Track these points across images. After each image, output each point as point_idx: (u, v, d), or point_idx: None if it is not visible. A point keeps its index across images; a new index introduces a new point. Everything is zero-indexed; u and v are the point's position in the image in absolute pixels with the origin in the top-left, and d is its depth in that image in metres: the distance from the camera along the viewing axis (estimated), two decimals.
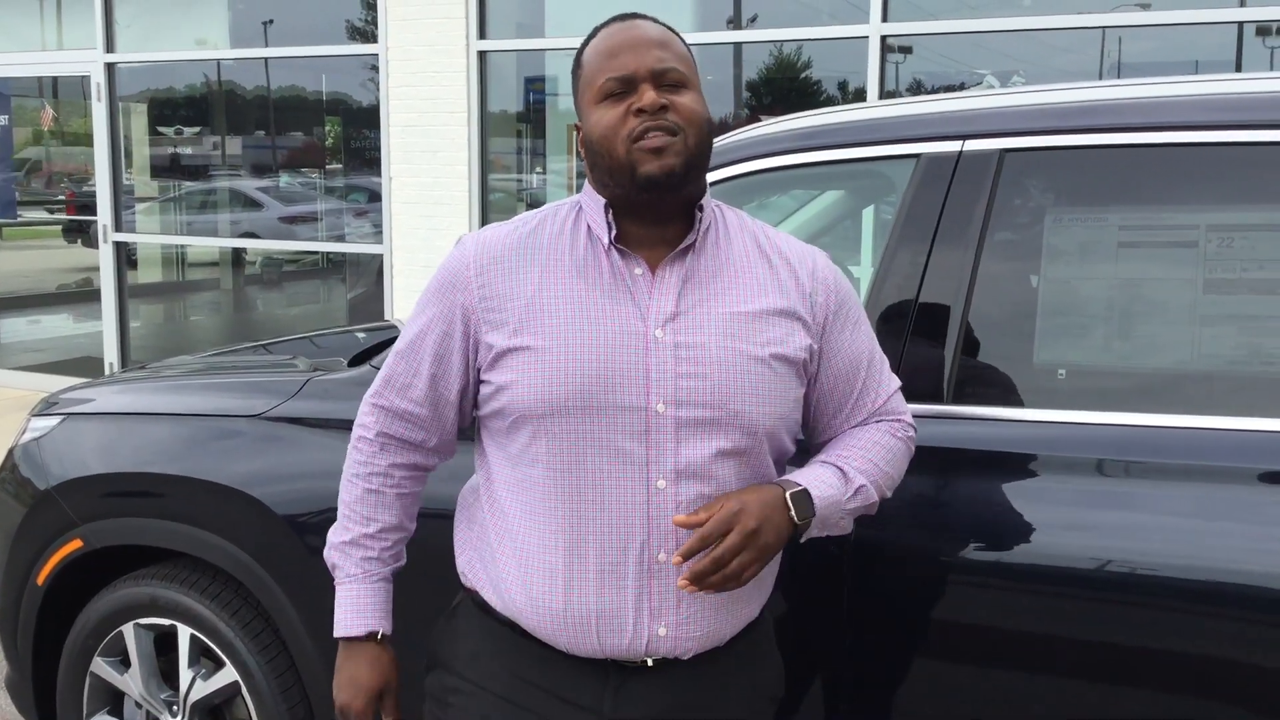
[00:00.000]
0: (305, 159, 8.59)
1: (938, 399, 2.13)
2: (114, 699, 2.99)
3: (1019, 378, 2.12)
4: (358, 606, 1.85)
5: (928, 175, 2.21)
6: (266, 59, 8.34)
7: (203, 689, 2.81)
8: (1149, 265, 2.08)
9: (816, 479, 1.70)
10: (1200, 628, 1.87)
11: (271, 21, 8.20)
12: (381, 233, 7.63)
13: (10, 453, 3.17)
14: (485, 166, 7.39)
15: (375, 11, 7.49)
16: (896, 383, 1.86)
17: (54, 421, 3.04)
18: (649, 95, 1.63)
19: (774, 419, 1.69)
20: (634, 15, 1.72)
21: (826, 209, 3.42)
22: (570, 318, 1.67)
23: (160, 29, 8.42)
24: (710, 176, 2.39)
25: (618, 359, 1.64)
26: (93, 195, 8.54)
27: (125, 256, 8.65)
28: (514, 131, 7.68)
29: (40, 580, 2.97)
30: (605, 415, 1.64)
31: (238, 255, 9.06)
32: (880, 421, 1.82)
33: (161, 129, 8.62)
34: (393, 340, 3.06)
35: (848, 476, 1.72)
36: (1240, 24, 5.77)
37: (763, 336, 1.68)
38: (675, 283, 1.68)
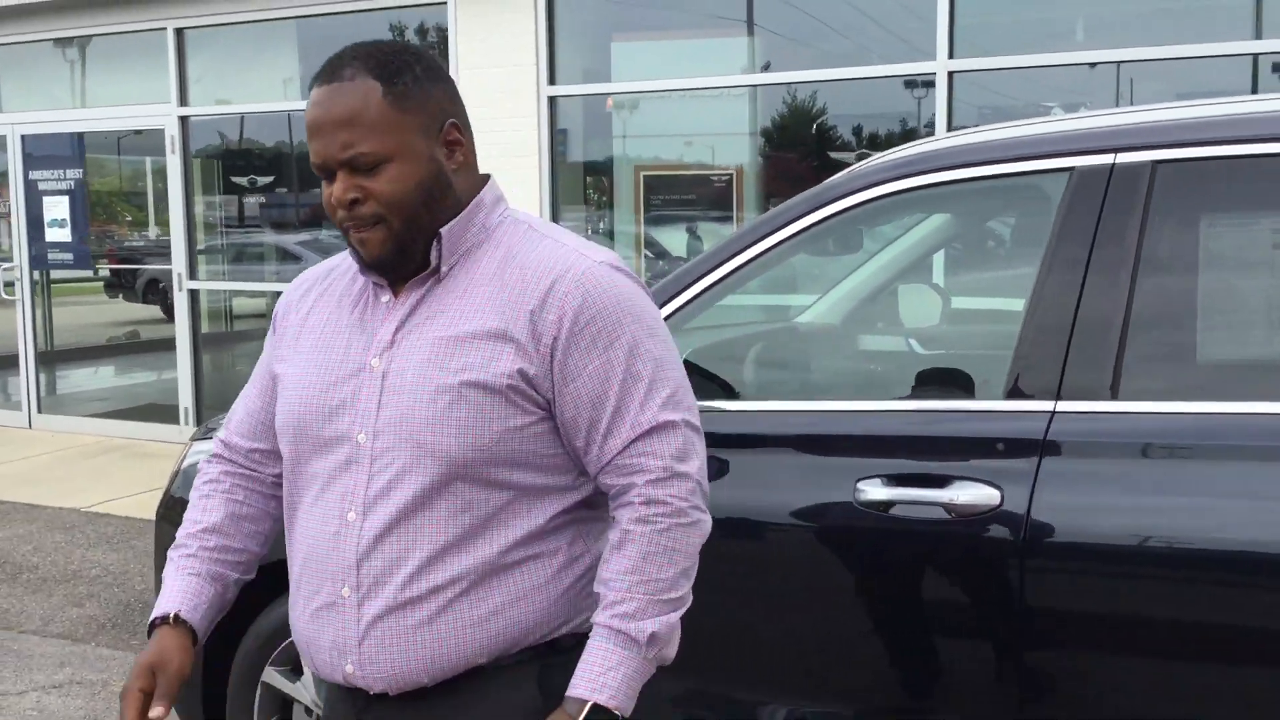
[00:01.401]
0: None
1: (1104, 396, 2.27)
2: (284, 707, 3.13)
3: (1181, 373, 2.26)
4: (163, 596, 1.76)
5: (1081, 187, 2.37)
6: None
7: None
8: None
9: (599, 667, 1.51)
10: None
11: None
12: None
13: (174, 476, 3.33)
14: (556, 207, 7.60)
15: (447, 60, 7.73)
16: (664, 419, 1.56)
17: None
18: (338, 189, 1.56)
19: (473, 450, 1.54)
20: (334, 72, 1.57)
21: (930, 235, 3.58)
22: (313, 346, 1.67)
23: (231, 81, 8.70)
24: (860, 196, 2.57)
25: (336, 389, 1.62)
26: (132, 250, 8.87)
27: (197, 305, 8.88)
28: (582, 173, 7.90)
29: None
30: (321, 445, 1.63)
31: None
32: (637, 506, 1.55)
33: (235, 179, 8.87)
34: None
35: (629, 635, 1.51)
36: None
37: (459, 362, 1.55)
38: (404, 311, 1.61)
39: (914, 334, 3.92)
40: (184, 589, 1.74)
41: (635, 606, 1.52)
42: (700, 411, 2.61)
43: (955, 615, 2.34)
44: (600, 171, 7.87)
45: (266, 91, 8.71)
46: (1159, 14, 6.25)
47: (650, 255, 7.81)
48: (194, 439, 3.40)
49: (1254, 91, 5.99)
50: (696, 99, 7.78)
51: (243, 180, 8.85)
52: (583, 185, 7.92)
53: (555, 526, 1.61)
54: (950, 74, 6.53)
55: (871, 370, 3.60)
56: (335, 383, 1.62)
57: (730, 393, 2.88)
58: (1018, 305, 2.48)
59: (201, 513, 1.79)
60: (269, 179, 8.89)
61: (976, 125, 6.70)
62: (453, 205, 1.61)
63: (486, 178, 1.67)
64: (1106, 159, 2.37)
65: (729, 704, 2.57)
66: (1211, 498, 2.16)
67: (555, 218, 7.60)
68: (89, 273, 9.48)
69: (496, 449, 1.55)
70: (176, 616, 1.71)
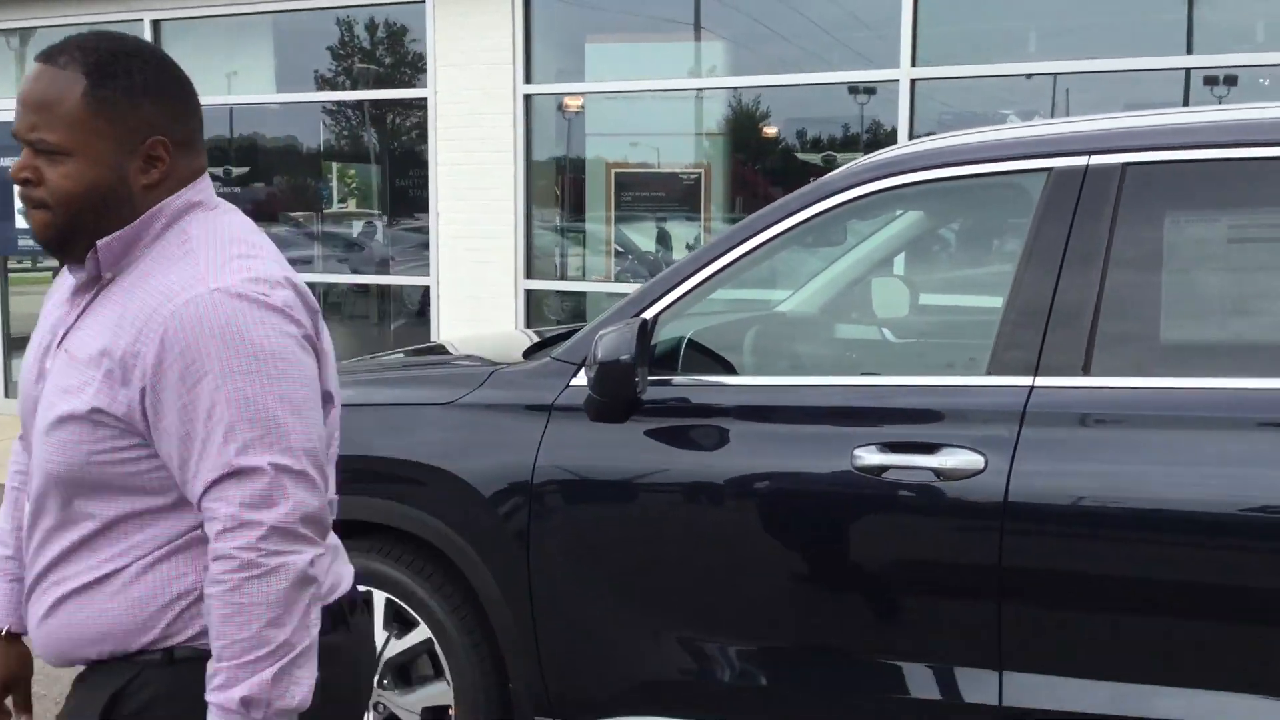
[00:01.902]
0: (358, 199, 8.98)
1: (1077, 372, 2.54)
2: None
3: (1147, 352, 2.54)
4: None
5: (1059, 186, 2.64)
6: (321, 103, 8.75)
7: (396, 647, 3.15)
8: (1256, 256, 2.52)
9: None
10: None
11: (320, 72, 8.62)
12: (429, 265, 8.01)
13: None
14: (530, 203, 7.80)
15: (425, 58, 7.91)
16: (240, 464, 1.50)
17: None
18: (18, 163, 1.58)
19: (69, 468, 1.56)
20: (53, 54, 1.58)
21: (906, 229, 3.85)
22: (33, 344, 1.71)
23: (203, 72, 8.81)
24: (846, 195, 2.82)
25: (28, 390, 1.68)
26: None
27: None
28: (555, 170, 8.11)
29: None
30: (26, 443, 1.75)
31: None
32: (210, 565, 1.52)
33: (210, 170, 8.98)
34: (563, 336, 3.47)
35: (222, 706, 1.49)
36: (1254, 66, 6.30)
37: (66, 382, 1.57)
38: (74, 315, 1.63)
39: (885, 323, 4.20)
40: (5, 597, 1.81)
41: (223, 678, 1.49)
42: (707, 386, 2.87)
43: (944, 570, 2.60)
44: (573, 169, 8.08)
45: (244, 84, 8.84)
46: (1105, 29, 6.59)
47: (620, 250, 8.04)
48: None
49: (1185, 102, 6.37)
50: (668, 100, 8.03)
51: (218, 171, 8.95)
52: (555, 183, 8.13)
53: (156, 545, 1.59)
54: (913, 81, 6.82)
55: (858, 351, 3.86)
56: (33, 379, 1.67)
57: (730, 370, 3.13)
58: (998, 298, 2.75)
59: (12, 506, 1.81)
60: (244, 169, 9.01)
61: (935, 131, 7.04)
62: (128, 217, 1.59)
63: (192, 182, 1.64)
64: (1081, 161, 2.64)
65: (738, 649, 2.80)
66: (1171, 463, 2.43)
67: (530, 212, 7.80)
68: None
69: (91, 471, 1.55)
70: (8, 631, 1.80)
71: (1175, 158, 2.57)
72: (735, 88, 7.64)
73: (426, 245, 8.06)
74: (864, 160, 3.00)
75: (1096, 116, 2.91)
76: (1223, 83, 6.34)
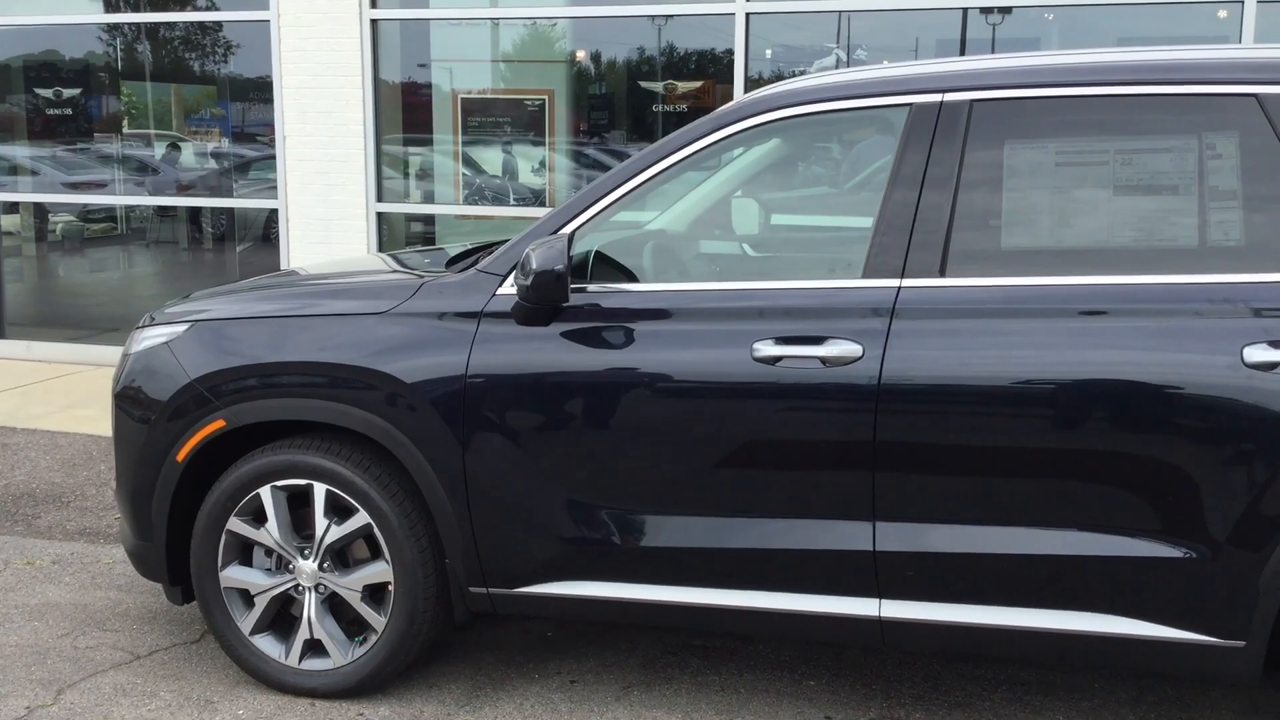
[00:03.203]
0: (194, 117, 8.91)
1: (936, 274, 3.07)
2: (245, 552, 3.62)
3: (991, 256, 3.09)
4: None
5: (918, 118, 3.15)
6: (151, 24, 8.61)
7: (336, 533, 3.50)
8: (1077, 177, 3.09)
9: None
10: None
11: None
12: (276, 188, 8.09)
13: (127, 358, 3.73)
14: (379, 127, 7.96)
15: None
16: None
17: (181, 328, 3.64)
18: None
19: None
20: None
21: (763, 156, 4.33)
22: None
23: None
24: (741, 125, 3.27)
25: None
26: None
27: None
28: (403, 94, 8.27)
29: (180, 457, 3.57)
30: None
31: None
32: None
33: (40, 91, 8.75)
34: (486, 246, 3.83)
35: None
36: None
37: None
38: None
39: (746, 239, 4.69)
40: None
41: None
42: (620, 292, 3.28)
43: (829, 441, 3.11)
44: (421, 94, 8.27)
45: (75, 3, 8.61)
46: None
47: (468, 174, 8.31)
48: (142, 327, 3.80)
49: (963, 35, 7.12)
50: (512, 27, 8.29)
51: (48, 92, 8.74)
52: (403, 108, 8.30)
53: None
54: (748, 15, 7.29)
55: (753, 258, 4.34)
56: None
57: (633, 279, 3.55)
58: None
59: None
60: (75, 91, 8.82)
61: (768, 62, 7.56)
62: None
63: None
64: (937, 98, 3.15)
65: (647, 523, 3.27)
66: (1012, 346, 2.99)
67: (378, 138, 7.96)
68: None
69: None
70: None
71: (1014, 95, 3.11)
72: (578, 17, 7.97)
73: (274, 168, 8.13)
74: (758, 93, 3.45)
75: (951, 60, 3.43)
76: (997, 11, 7.11)
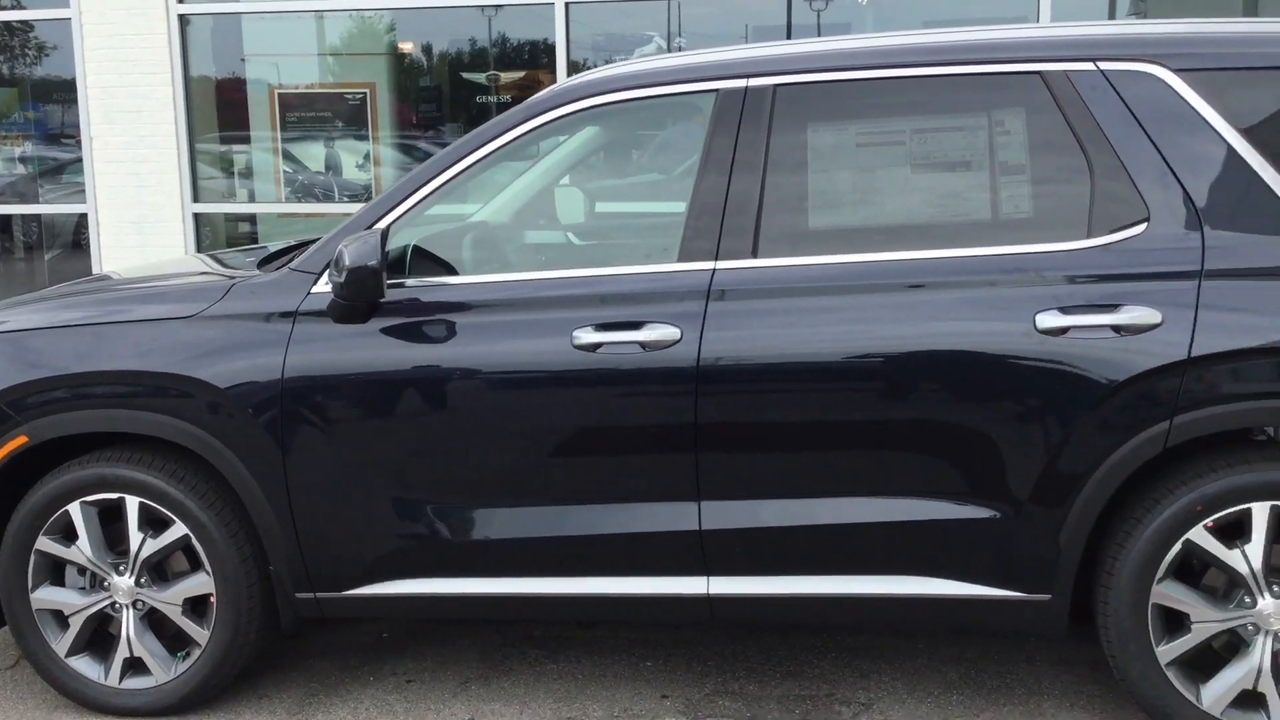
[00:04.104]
0: None
1: (748, 256, 3.13)
2: (57, 571, 3.47)
3: (800, 236, 3.16)
4: None
5: (725, 104, 3.20)
6: None
7: (153, 546, 3.38)
8: (878, 157, 3.19)
9: None
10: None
11: None
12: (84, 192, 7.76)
13: None
14: (192, 126, 7.70)
15: None
16: None
17: None
18: None
19: None
20: None
21: (583, 143, 4.35)
22: None
23: None
24: (553, 114, 3.27)
25: None
26: None
27: None
28: (217, 91, 8.02)
29: None
30: None
31: None
32: None
33: None
34: (302, 244, 3.73)
35: None
36: None
37: None
38: None
39: (570, 229, 4.71)
40: None
41: None
42: (438, 286, 3.25)
43: (652, 425, 3.14)
44: (236, 90, 8.03)
45: None
46: None
47: (290, 171, 8.10)
48: None
49: (789, 16, 7.30)
50: (329, 19, 8.11)
51: None
52: (218, 105, 8.04)
53: None
54: (567, 4, 7.30)
55: (555, 251, 4.34)
56: None
57: (453, 272, 3.52)
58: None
59: None
60: None
61: (590, 50, 7.57)
62: None
63: None
64: (742, 83, 3.21)
65: (475, 516, 3.25)
66: (822, 323, 3.07)
67: (191, 137, 7.70)
68: None
69: None
70: None
71: (815, 79, 3.19)
72: (397, 9, 7.84)
73: (80, 172, 7.79)
74: (567, 82, 3.45)
75: (755, 45, 3.49)
76: None
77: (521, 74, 7.66)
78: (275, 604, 3.40)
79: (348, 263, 3.09)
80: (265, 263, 3.69)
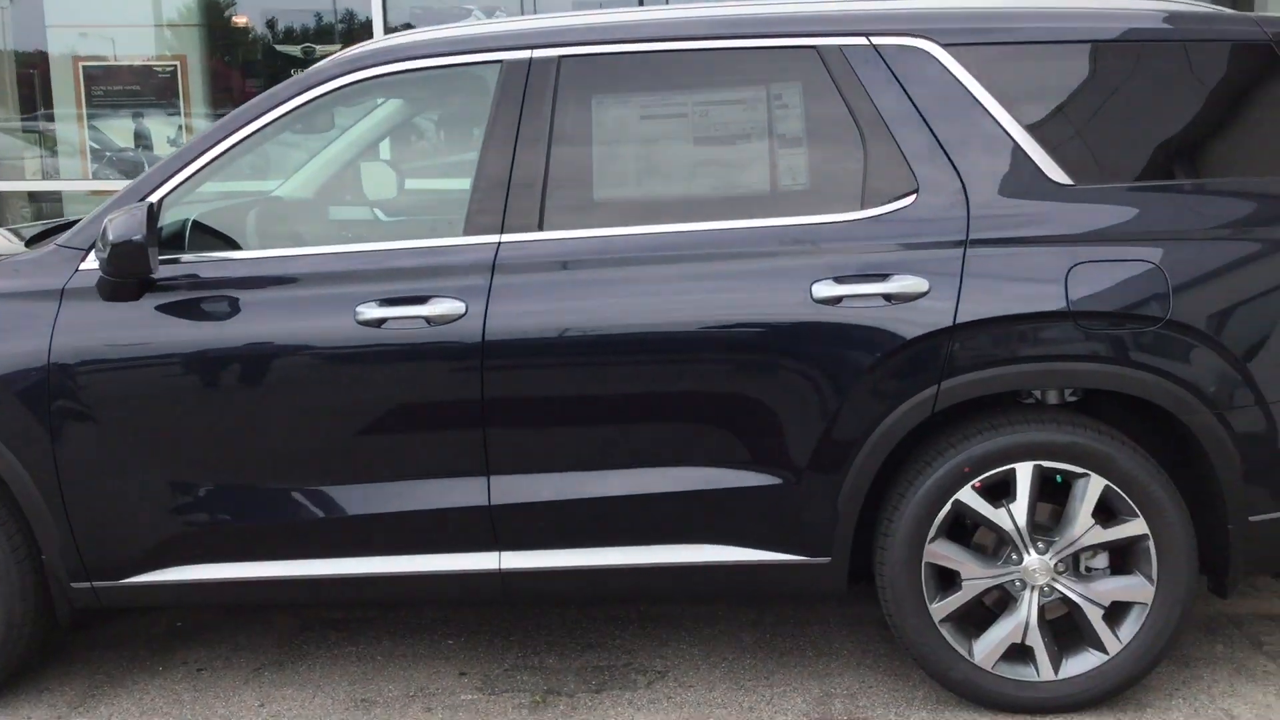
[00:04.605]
0: None
1: (534, 229, 3.11)
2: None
3: (585, 208, 3.16)
4: None
5: (509, 75, 3.17)
6: None
7: None
8: (661, 130, 3.21)
9: None
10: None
11: None
12: None
13: None
14: None
15: None
16: None
17: None
18: None
19: None
20: None
21: (387, 117, 4.27)
22: None
23: None
24: (331, 85, 3.20)
25: None
26: None
27: None
28: (16, 64, 7.63)
29: None
30: None
31: None
32: None
33: None
34: (63, 226, 3.57)
35: None
36: None
37: None
38: None
39: (378, 204, 4.62)
40: None
41: None
42: (216, 261, 3.16)
43: (439, 400, 3.11)
44: (36, 64, 7.64)
45: None
46: None
47: (96, 146, 7.77)
48: None
49: None
50: None
51: None
52: (14, 78, 7.65)
53: None
54: None
55: (353, 228, 4.26)
56: None
57: (236, 248, 3.42)
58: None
59: None
60: None
61: (410, 21, 7.45)
62: None
63: None
64: (526, 54, 3.18)
65: (266, 496, 3.17)
66: (609, 295, 3.07)
67: None
68: None
69: None
70: None
71: (598, 51, 3.19)
72: None
73: None
74: (346, 52, 3.38)
75: (542, 16, 3.47)
76: None
77: (338, 47, 7.47)
78: (51, 595, 3.26)
79: (111, 237, 2.97)
80: (35, 240, 3.52)
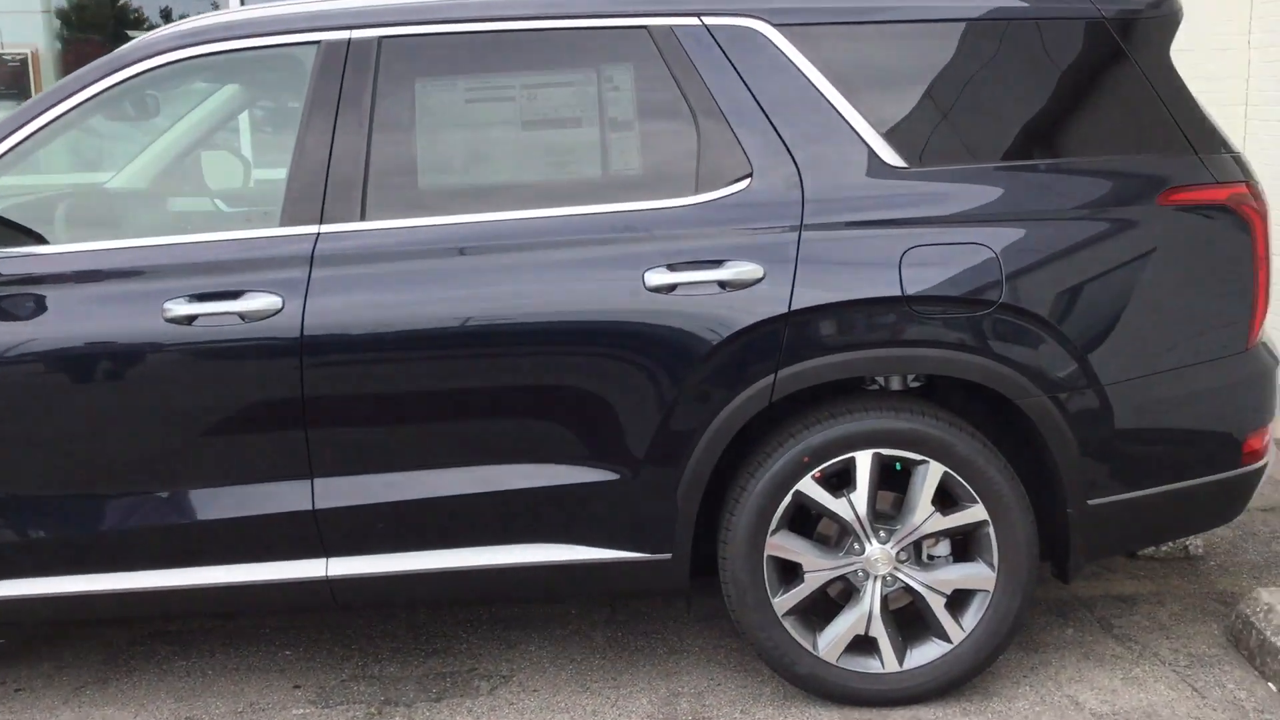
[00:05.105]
0: None
1: (355, 218, 2.96)
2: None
3: (409, 197, 3.02)
4: None
5: (327, 57, 3.02)
6: None
7: None
8: (488, 114, 3.08)
9: None
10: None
11: None
12: None
13: None
14: None
15: None
16: None
17: None
18: None
19: None
20: None
21: (225, 102, 4.08)
22: None
23: None
24: (144, 65, 3.02)
25: None
26: None
27: None
28: None
29: None
30: None
31: None
32: None
33: None
34: None
35: None
36: None
37: None
38: None
39: (219, 194, 4.42)
40: None
41: None
42: (15, 257, 2.96)
43: (256, 401, 2.95)
44: None
45: None
46: None
47: None
48: None
49: None
50: None
51: None
52: None
53: None
54: None
55: (192, 214, 4.06)
56: None
57: (42, 241, 3.22)
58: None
59: None
60: None
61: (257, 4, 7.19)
62: None
63: None
64: (344, 35, 3.03)
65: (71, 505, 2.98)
66: (436, 288, 2.94)
67: None
68: None
69: None
70: None
71: (421, 31, 3.04)
72: None
73: None
74: (152, 34, 3.19)
75: None
76: None
77: None
78: None
79: None
80: None
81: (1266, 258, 3.05)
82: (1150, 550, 3.96)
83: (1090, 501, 2.99)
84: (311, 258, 2.95)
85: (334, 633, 3.62)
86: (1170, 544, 3.94)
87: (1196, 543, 3.99)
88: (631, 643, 3.50)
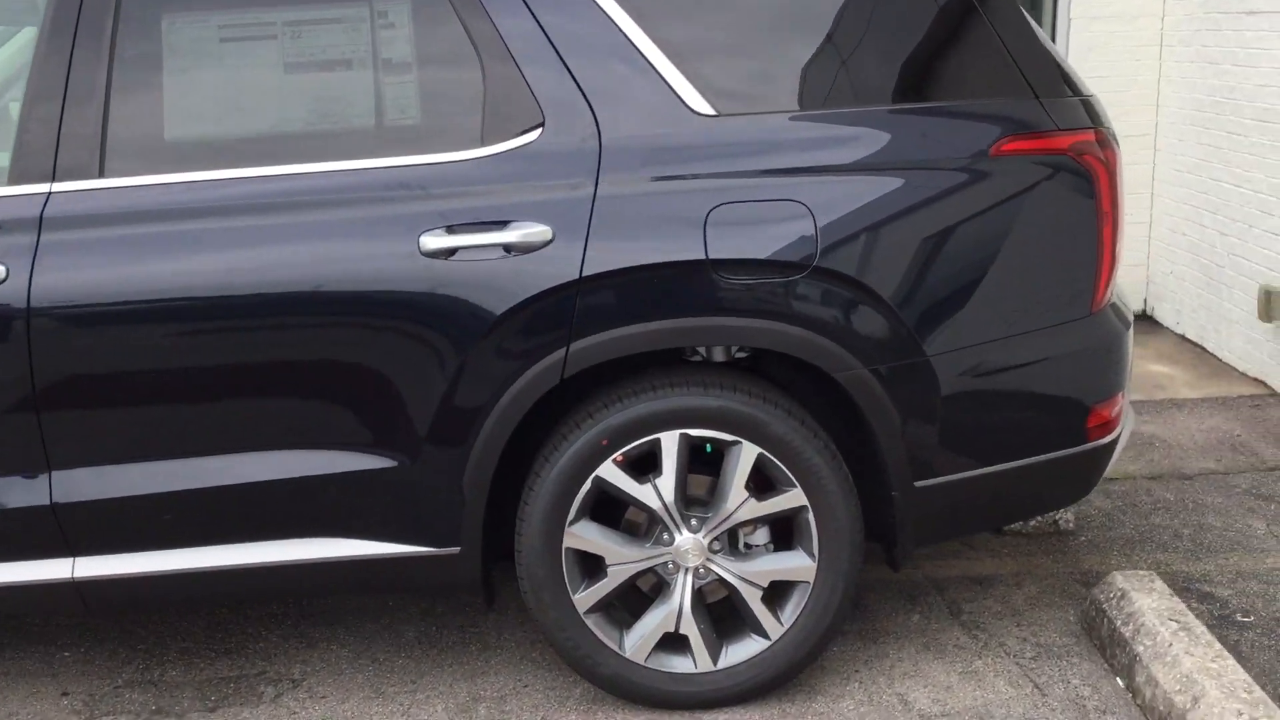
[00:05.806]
0: None
1: (92, 175, 2.61)
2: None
3: (155, 150, 2.67)
4: None
5: None
6: None
7: None
8: (246, 55, 2.72)
9: None
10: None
11: None
12: None
13: None
14: None
15: None
16: None
17: None
18: None
19: None
20: None
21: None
22: None
23: None
24: None
25: None
26: None
27: None
28: None
29: None
30: None
31: None
32: None
33: None
34: None
35: None
36: None
37: None
38: None
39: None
40: None
41: None
42: None
43: None
44: None
45: None
46: None
47: None
48: None
49: None
50: None
51: None
52: None
53: None
54: None
55: None
56: None
57: None
58: None
59: None
60: None
61: None
62: None
63: None
64: None
65: None
66: (185, 252, 2.59)
67: None
68: None
69: None
70: None
71: None
72: None
73: None
74: None
75: None
76: None
77: None
78: None
79: None
80: None
81: (1114, 212, 2.77)
82: (1018, 525, 3.72)
83: (918, 483, 2.72)
84: (40, 220, 2.59)
85: (121, 631, 3.29)
86: (1038, 518, 3.70)
87: (1067, 516, 3.75)
88: (443, 639, 3.21)
